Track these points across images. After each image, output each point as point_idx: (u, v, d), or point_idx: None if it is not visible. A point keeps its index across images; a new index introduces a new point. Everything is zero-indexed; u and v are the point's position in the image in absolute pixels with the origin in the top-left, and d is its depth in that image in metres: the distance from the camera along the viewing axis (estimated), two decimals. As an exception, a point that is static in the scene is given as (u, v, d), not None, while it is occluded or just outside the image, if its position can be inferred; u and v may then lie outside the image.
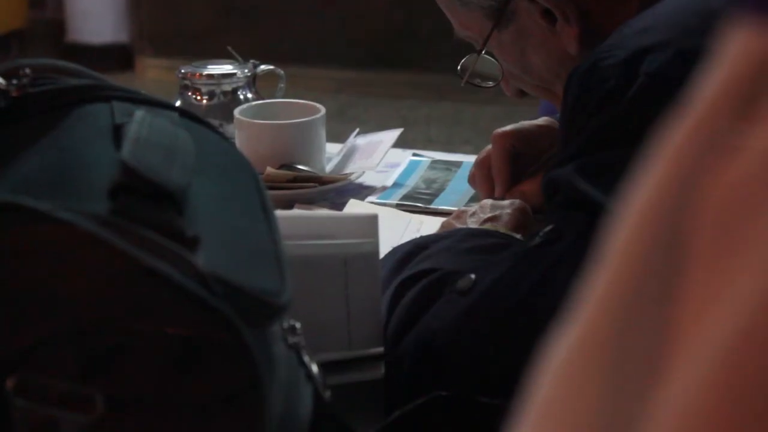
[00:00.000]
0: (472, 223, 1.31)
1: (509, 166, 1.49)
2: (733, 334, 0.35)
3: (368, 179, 1.72)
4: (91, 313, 0.72)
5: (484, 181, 1.52)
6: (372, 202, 1.64)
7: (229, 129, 1.71)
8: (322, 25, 5.06)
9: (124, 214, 0.74)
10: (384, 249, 1.14)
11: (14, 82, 0.87)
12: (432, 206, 1.64)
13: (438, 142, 4.35)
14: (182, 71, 1.85)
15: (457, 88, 1.54)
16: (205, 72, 1.84)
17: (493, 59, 1.36)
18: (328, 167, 1.72)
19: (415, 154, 1.83)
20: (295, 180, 1.63)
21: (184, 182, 0.79)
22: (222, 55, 1.91)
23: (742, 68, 0.38)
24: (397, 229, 1.52)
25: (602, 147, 1.07)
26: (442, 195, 1.67)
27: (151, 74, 5.23)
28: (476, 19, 1.32)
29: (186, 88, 1.84)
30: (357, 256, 1.05)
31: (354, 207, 1.60)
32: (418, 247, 1.22)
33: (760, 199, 0.36)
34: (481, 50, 1.35)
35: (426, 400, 1.04)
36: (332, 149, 1.77)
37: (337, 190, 1.65)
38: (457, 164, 1.77)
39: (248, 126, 1.68)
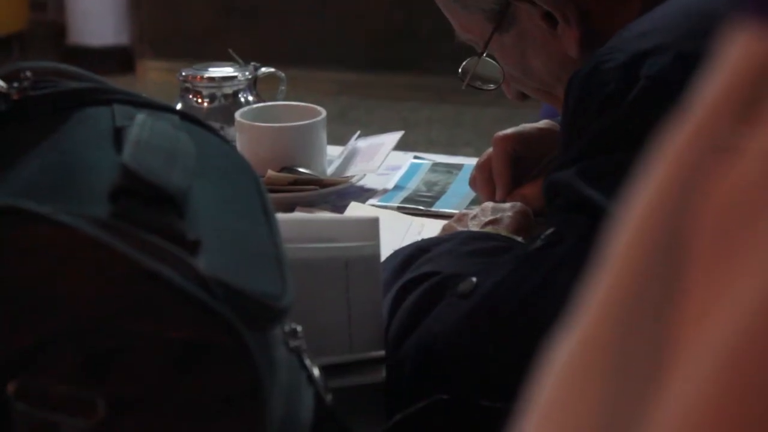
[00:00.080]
0: (474, 226, 1.31)
1: (510, 170, 1.49)
2: (734, 337, 0.35)
3: (369, 182, 1.72)
4: (91, 316, 0.72)
5: (485, 184, 1.52)
6: (373, 205, 1.64)
7: (230, 132, 1.71)
8: (323, 26, 5.06)
9: (125, 217, 0.74)
10: (385, 252, 1.14)
11: (15, 85, 0.87)
12: (433, 209, 1.64)
13: (439, 144, 4.35)
14: (183, 74, 1.85)
15: (458, 90, 1.54)
16: (206, 75, 1.84)
17: (494, 62, 1.36)
18: (329, 170, 1.72)
19: (416, 157, 1.83)
20: (296, 183, 1.63)
21: (185, 185, 0.79)
22: (222, 57, 1.91)
23: (743, 71, 0.38)
24: (399, 232, 1.52)
25: (603, 150, 1.07)
26: (443, 198, 1.67)
27: (151, 76, 5.24)
28: (477, 21, 1.32)
29: (187, 90, 1.84)
30: (358, 259, 1.05)
31: (355, 210, 1.60)
32: (419, 250, 1.22)
33: (761, 201, 0.36)
34: (482, 53, 1.35)
35: (427, 404, 1.04)
36: (333, 152, 1.77)
37: (338, 192, 1.65)
38: (458, 167, 1.77)
39: (249, 129, 1.68)
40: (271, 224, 0.86)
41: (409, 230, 1.54)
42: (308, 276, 1.02)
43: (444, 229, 1.39)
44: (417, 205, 1.65)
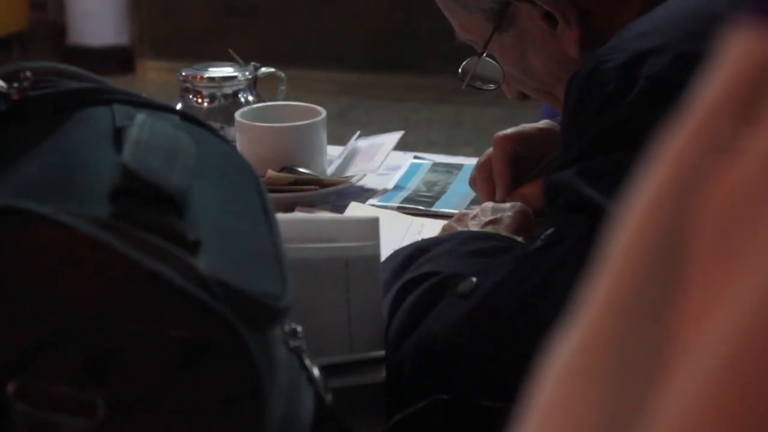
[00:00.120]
0: (474, 226, 1.31)
1: (510, 170, 1.49)
2: (734, 337, 0.35)
3: (369, 182, 1.72)
4: (91, 316, 0.72)
5: (485, 184, 1.52)
6: (373, 205, 1.64)
7: (230, 132, 1.71)
8: (323, 26, 5.06)
9: (125, 217, 0.74)
10: (385, 252, 1.14)
11: (15, 85, 0.87)
12: (433, 209, 1.64)
13: (439, 144, 4.35)
14: (183, 74, 1.85)
15: (458, 90, 1.54)
16: (206, 75, 1.84)
17: (494, 62, 1.36)
18: (329, 170, 1.72)
19: (416, 157, 1.83)
20: (296, 183, 1.63)
21: (185, 185, 0.79)
22: (222, 57, 1.91)
23: (743, 71, 0.38)
24: (399, 232, 1.52)
25: (603, 150, 1.07)
26: (443, 198, 1.67)
27: (151, 76, 5.24)
28: (477, 21, 1.32)
29: (187, 90, 1.84)
30: (358, 259, 1.05)
31: (355, 210, 1.60)
32: (419, 250, 1.22)
33: (761, 201, 0.36)
34: (482, 53, 1.35)
35: (427, 404, 1.04)
36: (333, 152, 1.77)
37: (338, 192, 1.65)
38: (458, 167, 1.77)
39: (249, 129, 1.68)
40: (271, 224, 0.86)
41: (409, 230, 1.54)
42: (308, 276, 1.02)
43: (444, 229, 1.39)
44: (417, 205, 1.65)
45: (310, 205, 1.62)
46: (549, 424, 0.41)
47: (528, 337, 0.90)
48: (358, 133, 1.83)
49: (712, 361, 0.36)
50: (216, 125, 1.63)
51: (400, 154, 1.81)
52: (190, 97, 1.84)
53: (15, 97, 0.87)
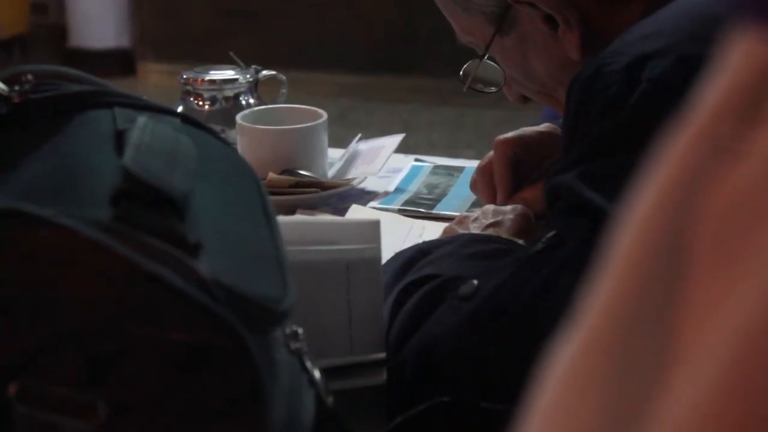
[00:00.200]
0: (475, 229, 1.31)
1: (511, 173, 1.49)
2: (736, 338, 0.35)
3: (370, 184, 1.72)
4: (92, 319, 0.72)
5: (486, 187, 1.52)
6: (374, 208, 1.64)
7: (231, 134, 1.71)
8: (323, 28, 5.06)
9: (126, 221, 0.74)
10: (386, 254, 1.14)
11: (16, 88, 0.87)
12: (434, 211, 1.64)
13: (440, 146, 4.35)
14: (184, 77, 1.85)
15: (460, 92, 1.54)
16: (207, 77, 1.84)
17: (495, 64, 1.36)
18: (330, 172, 1.72)
19: (417, 160, 1.83)
20: (297, 185, 1.63)
21: (186, 188, 0.79)
22: (223, 59, 1.91)
23: (745, 75, 0.38)
24: (400, 235, 1.52)
25: (605, 153, 1.07)
26: (444, 200, 1.67)
27: (152, 79, 5.24)
28: (478, 24, 1.32)
29: (188, 93, 1.84)
30: (359, 262, 1.05)
31: (356, 212, 1.60)
32: (420, 252, 1.22)
33: (763, 204, 0.36)
34: (483, 56, 1.35)
35: (428, 406, 1.04)
36: (334, 154, 1.77)
37: (339, 195, 1.65)
38: (459, 169, 1.77)
39: (250, 131, 1.68)
40: (272, 227, 0.86)
41: (410, 233, 1.54)
42: (309, 278, 1.02)
43: (445, 231, 1.39)
44: (418, 207, 1.65)
45: (311, 207, 1.62)
46: (551, 427, 0.41)
47: (529, 340, 0.90)
48: (359, 135, 1.83)
49: (714, 363, 0.36)
50: (217, 128, 1.63)
51: (401, 156, 1.81)
52: (191, 99, 1.84)
53: (16, 100, 0.87)
